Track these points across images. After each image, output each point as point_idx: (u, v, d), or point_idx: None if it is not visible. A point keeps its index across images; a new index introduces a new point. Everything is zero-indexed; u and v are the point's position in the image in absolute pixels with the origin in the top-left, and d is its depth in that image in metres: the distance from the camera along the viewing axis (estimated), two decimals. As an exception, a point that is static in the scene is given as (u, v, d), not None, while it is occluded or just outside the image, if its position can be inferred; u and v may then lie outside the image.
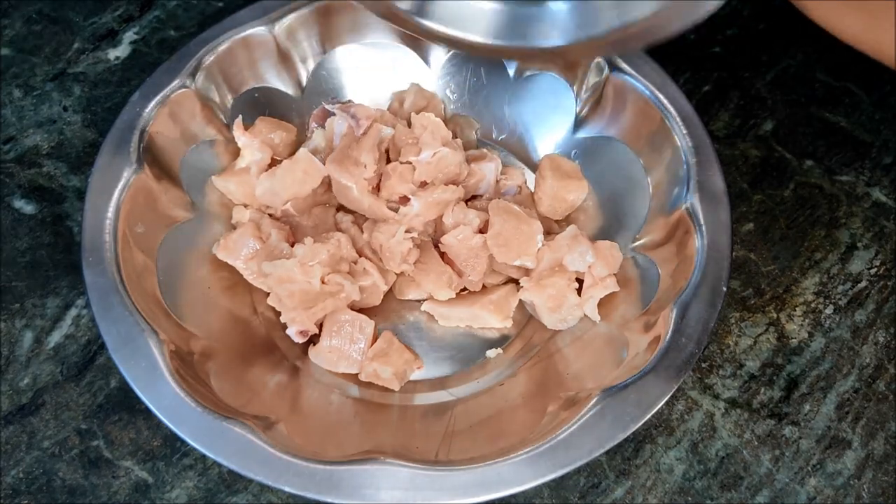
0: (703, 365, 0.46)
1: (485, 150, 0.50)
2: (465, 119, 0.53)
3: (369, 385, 0.44)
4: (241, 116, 0.48)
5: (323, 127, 0.52)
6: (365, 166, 0.45)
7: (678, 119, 0.45)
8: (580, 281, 0.45)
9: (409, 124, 0.49)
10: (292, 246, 0.44)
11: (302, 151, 0.47)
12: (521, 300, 0.46)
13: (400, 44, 0.52)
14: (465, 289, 0.47)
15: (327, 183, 0.48)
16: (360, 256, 0.46)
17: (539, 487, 0.41)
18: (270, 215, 0.48)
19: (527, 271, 0.46)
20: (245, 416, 0.37)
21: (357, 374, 0.45)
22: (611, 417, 0.36)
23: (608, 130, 0.49)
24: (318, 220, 0.48)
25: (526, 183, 0.50)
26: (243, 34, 0.48)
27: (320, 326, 0.45)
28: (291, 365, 0.45)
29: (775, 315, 0.47)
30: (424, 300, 0.47)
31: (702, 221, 0.42)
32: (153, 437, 0.43)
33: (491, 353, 0.46)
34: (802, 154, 0.54)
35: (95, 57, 0.58)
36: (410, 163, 0.46)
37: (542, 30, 0.27)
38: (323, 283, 0.43)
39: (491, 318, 0.46)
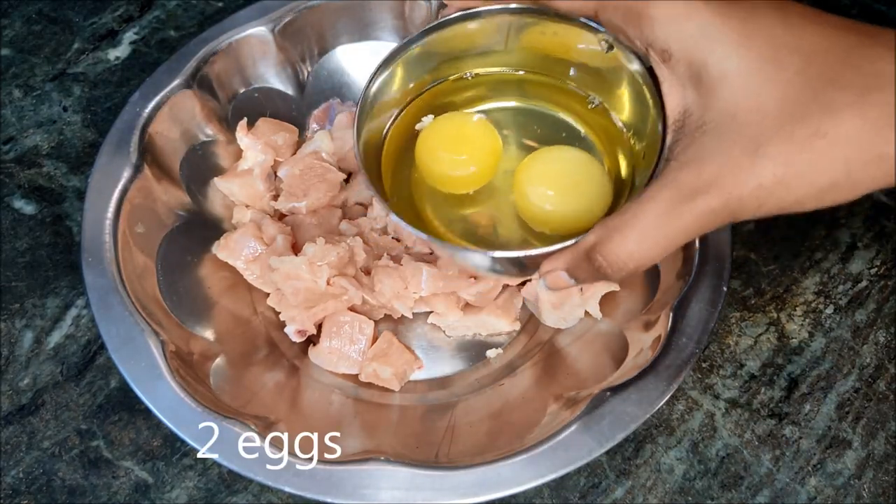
0: (704, 365, 0.46)
1: None
2: (466, 119, 0.53)
3: (369, 385, 0.44)
4: (245, 119, 0.48)
5: (323, 127, 0.52)
6: None
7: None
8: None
9: None
10: (296, 255, 0.44)
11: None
12: (523, 298, 0.47)
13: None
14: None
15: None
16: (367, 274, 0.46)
17: (539, 487, 0.41)
18: (272, 216, 0.48)
19: None
20: (245, 416, 0.37)
21: (357, 375, 0.45)
22: (611, 417, 0.36)
23: (608, 130, 0.49)
24: (323, 219, 0.48)
25: None
26: (243, 34, 0.48)
27: (319, 327, 0.45)
28: (291, 365, 0.45)
29: (776, 315, 0.47)
30: (430, 312, 0.47)
31: (702, 221, 0.42)
32: (153, 437, 0.43)
33: (491, 353, 0.46)
34: (803, 154, 0.54)
35: (95, 57, 0.58)
36: None
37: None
38: (328, 284, 0.43)
39: (499, 323, 0.46)
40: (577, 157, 0.37)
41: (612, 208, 0.35)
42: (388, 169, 0.39)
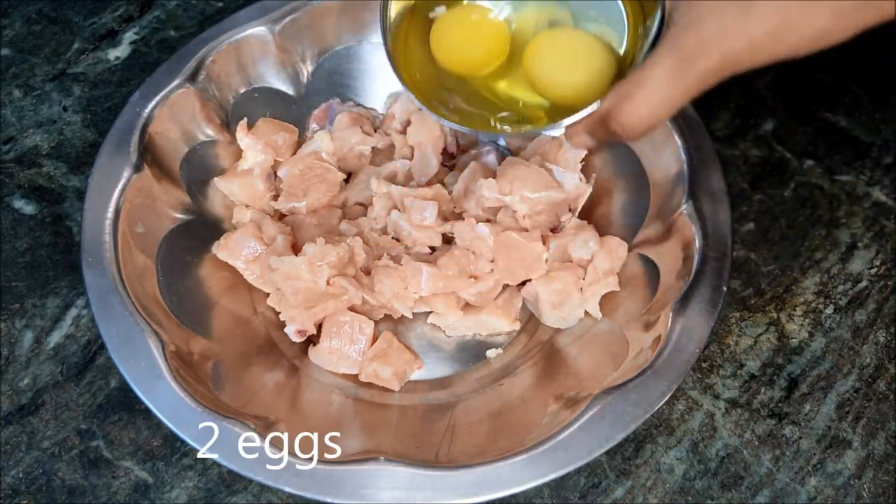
0: (704, 365, 0.46)
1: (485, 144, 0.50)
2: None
3: (369, 385, 0.44)
4: (245, 119, 0.48)
5: (323, 127, 0.52)
6: None
7: (678, 119, 0.45)
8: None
9: (405, 131, 0.50)
10: (296, 255, 0.44)
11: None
12: (523, 298, 0.47)
13: (400, 43, 0.52)
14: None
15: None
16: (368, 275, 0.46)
17: (539, 487, 0.41)
18: (272, 216, 0.48)
19: None
20: (245, 416, 0.37)
21: (357, 375, 0.44)
22: (611, 417, 0.36)
23: (608, 130, 0.49)
24: (323, 219, 0.48)
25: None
26: (243, 34, 0.48)
27: (319, 327, 0.45)
28: (291, 365, 0.45)
29: (775, 315, 0.47)
30: (430, 312, 0.47)
31: (702, 221, 0.42)
32: (153, 437, 0.43)
33: (491, 353, 0.46)
34: (802, 154, 0.54)
35: (95, 57, 0.58)
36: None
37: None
38: (328, 284, 0.43)
39: (499, 323, 0.46)
40: (579, 35, 0.38)
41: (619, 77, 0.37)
42: (411, 55, 0.41)
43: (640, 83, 0.32)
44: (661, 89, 0.31)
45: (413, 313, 0.46)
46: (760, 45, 0.29)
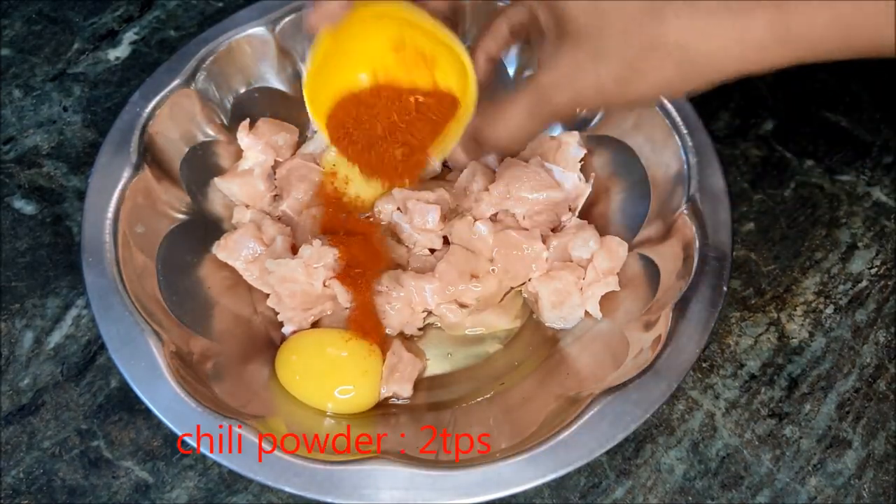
0: (704, 365, 0.46)
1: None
2: (465, 119, 0.53)
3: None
4: (248, 119, 0.48)
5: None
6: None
7: (678, 119, 0.45)
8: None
9: None
10: (294, 255, 0.44)
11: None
12: (523, 297, 0.47)
13: (400, 44, 0.52)
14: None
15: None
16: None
17: (539, 487, 0.41)
18: (272, 216, 0.48)
19: None
20: (245, 416, 0.37)
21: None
22: (611, 417, 0.36)
23: (609, 130, 0.49)
24: (317, 221, 0.48)
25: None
26: (243, 34, 0.48)
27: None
28: (291, 365, 0.44)
29: (776, 315, 0.47)
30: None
31: (702, 221, 0.42)
32: (153, 437, 0.43)
33: (492, 351, 0.46)
34: (803, 154, 0.54)
35: (95, 57, 0.58)
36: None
37: None
38: (324, 286, 0.43)
39: (500, 322, 0.46)
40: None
41: None
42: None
43: (502, 110, 0.36)
44: (518, 119, 0.36)
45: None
46: (608, 89, 0.32)
